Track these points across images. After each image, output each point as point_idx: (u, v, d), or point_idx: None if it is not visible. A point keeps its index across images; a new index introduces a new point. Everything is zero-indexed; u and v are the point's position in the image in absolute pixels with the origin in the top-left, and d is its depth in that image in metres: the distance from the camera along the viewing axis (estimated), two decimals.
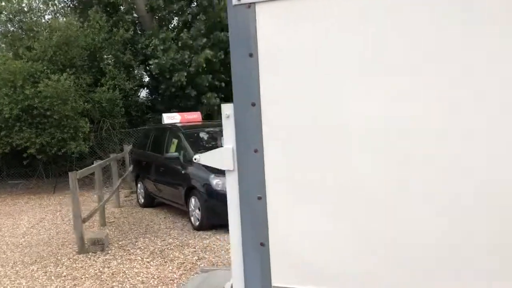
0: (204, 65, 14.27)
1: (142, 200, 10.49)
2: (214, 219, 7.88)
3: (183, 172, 8.54)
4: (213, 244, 7.08)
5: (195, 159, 2.41)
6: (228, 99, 16.19)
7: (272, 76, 2.25)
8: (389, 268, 2.18)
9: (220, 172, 8.32)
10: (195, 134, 9.46)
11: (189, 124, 9.95)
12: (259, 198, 2.28)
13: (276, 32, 2.31)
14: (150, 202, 10.32)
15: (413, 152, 2.04)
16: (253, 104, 2.21)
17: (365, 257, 2.18)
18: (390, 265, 2.19)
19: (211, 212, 7.82)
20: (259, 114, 2.23)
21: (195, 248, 6.95)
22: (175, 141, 9.28)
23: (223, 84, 14.87)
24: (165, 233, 7.96)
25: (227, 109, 2.27)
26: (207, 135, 9.73)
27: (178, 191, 8.71)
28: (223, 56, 14.54)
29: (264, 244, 2.30)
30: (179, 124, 9.92)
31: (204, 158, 2.44)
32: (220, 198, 7.72)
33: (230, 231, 2.41)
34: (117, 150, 14.15)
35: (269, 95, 2.24)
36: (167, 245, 7.21)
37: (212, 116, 14.95)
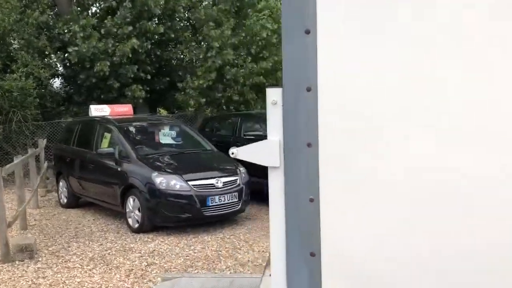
0: (130, 55, 13.41)
1: (65, 200, 9.51)
2: (157, 220, 7.33)
3: (119, 169, 7.83)
4: (160, 248, 6.53)
5: (232, 153, 2.04)
6: (154, 92, 15.45)
7: (333, 56, 1.92)
8: (461, 277, 1.94)
9: (164, 169, 7.96)
10: (131, 128, 8.76)
11: (123, 117, 9.20)
12: (311, 200, 1.94)
13: (338, 2, 1.98)
14: (74, 202, 9.38)
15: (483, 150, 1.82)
16: (309, 89, 1.87)
17: (435, 269, 1.94)
18: (462, 275, 1.96)
19: (153, 212, 7.25)
20: (315, 101, 1.89)
21: (140, 252, 6.36)
22: (108, 135, 8.50)
23: (148, 76, 14.09)
24: (100, 237, 7.23)
25: (274, 94, 1.91)
26: (145, 130, 9.06)
27: (113, 190, 7.98)
28: (150, 46, 13.77)
29: (314, 254, 1.97)
30: (110, 117, 9.13)
31: (242, 152, 2.07)
32: (164, 197, 7.20)
33: (271, 239, 2.05)
34: (29, 144, 12.83)
35: (329, 78, 1.91)
36: (106, 250, 6.52)
37: (135, 110, 14.13)
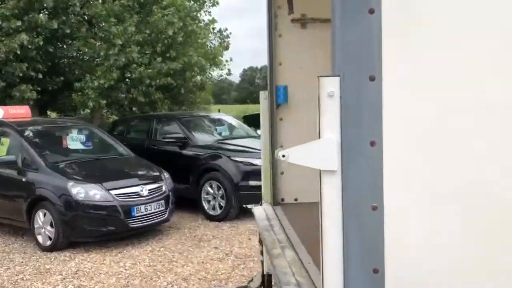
0: (18, 52, 11.95)
1: None
2: (74, 236, 6.51)
3: (23, 180, 6.80)
4: (83, 267, 5.75)
5: (283, 156, 1.71)
6: (46, 93, 13.99)
7: (401, 40, 1.67)
8: None
9: (81, 178, 6.98)
10: (35, 132, 7.68)
11: (22, 120, 8.05)
12: (374, 208, 1.65)
13: None
14: None
15: None
16: (372, 78, 1.60)
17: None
18: None
19: (70, 227, 6.42)
20: (379, 92, 1.62)
21: (61, 274, 5.53)
22: (6, 141, 7.39)
23: (40, 75, 12.70)
24: (4, 259, 6.20)
25: (330, 85, 1.61)
26: (50, 134, 8.01)
27: (16, 204, 6.91)
28: (42, 42, 12.41)
29: (378, 271, 1.69)
30: (6, 120, 7.94)
31: (294, 155, 1.72)
32: (82, 209, 6.41)
33: (325, 254, 1.76)
34: None
35: (397, 65, 1.67)
36: (17, 274, 5.58)
37: None
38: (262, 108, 3.87)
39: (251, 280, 4.22)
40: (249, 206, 6.70)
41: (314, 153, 1.68)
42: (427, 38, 1.69)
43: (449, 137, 1.70)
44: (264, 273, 3.92)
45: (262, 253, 3.91)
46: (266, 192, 3.91)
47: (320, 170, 1.67)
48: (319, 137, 1.68)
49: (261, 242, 3.84)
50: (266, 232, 3.19)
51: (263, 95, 3.86)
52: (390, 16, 1.64)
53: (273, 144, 3.82)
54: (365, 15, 1.64)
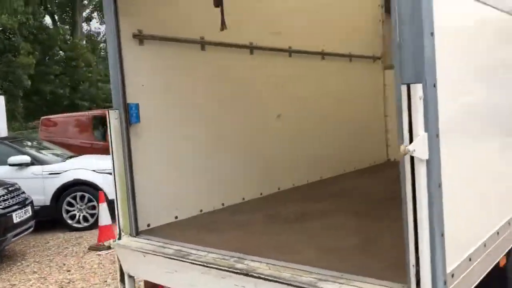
0: None
1: None
2: None
3: None
4: None
5: (408, 150, 2.06)
6: None
7: (450, 57, 2.23)
8: None
9: None
10: None
11: None
12: (439, 185, 2.21)
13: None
14: None
15: None
16: (435, 85, 2.18)
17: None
18: None
19: None
20: (436, 96, 2.21)
21: None
22: None
23: None
24: None
25: (419, 90, 2.08)
26: None
27: None
28: None
29: (443, 235, 2.23)
30: None
31: (417, 149, 2.06)
32: None
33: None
34: None
35: (447, 76, 2.20)
36: None
37: None
38: (114, 129, 3.45)
39: None
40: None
41: (423, 146, 2.01)
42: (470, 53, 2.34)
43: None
44: None
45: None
46: (125, 224, 3.50)
47: (414, 159, 2.01)
48: (413, 134, 2.02)
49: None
50: None
51: (114, 115, 3.45)
52: (442, 38, 2.14)
53: (131, 168, 3.50)
54: (429, 37, 2.08)
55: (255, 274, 2.58)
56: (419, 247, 2.05)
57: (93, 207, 8.29)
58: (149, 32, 3.67)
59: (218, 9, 3.67)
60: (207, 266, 2.80)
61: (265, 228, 3.60)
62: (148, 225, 3.66)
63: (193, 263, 2.89)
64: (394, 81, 2.11)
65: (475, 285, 2.52)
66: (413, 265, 2.08)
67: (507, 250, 3.02)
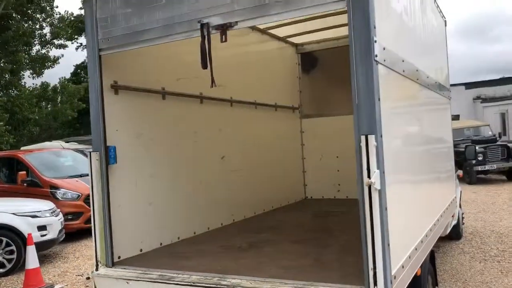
0: None
1: None
2: None
3: None
4: None
5: (371, 182, 2.82)
6: None
7: (390, 115, 3.11)
8: None
9: None
10: None
11: None
12: (386, 208, 3.02)
13: None
14: None
15: None
16: (382, 136, 3.03)
17: None
18: None
19: None
20: (382, 144, 3.04)
21: None
22: None
23: None
24: None
25: (373, 139, 2.93)
26: None
27: None
28: None
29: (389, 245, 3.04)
30: None
31: (374, 181, 2.82)
32: None
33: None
34: None
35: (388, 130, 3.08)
36: None
37: None
38: (95, 169, 3.83)
39: None
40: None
41: (375, 180, 2.78)
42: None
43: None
44: None
45: None
46: (102, 255, 3.84)
47: (371, 189, 2.79)
48: (369, 172, 2.80)
49: None
50: None
51: (95, 156, 3.85)
52: (387, 103, 3.00)
53: (109, 204, 3.89)
54: (378, 102, 2.93)
55: (240, 285, 3.14)
56: (376, 255, 2.79)
57: (11, 252, 8.03)
58: (123, 83, 4.16)
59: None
60: (195, 285, 3.29)
61: (227, 255, 4.15)
62: (119, 257, 4.01)
63: (180, 284, 3.35)
64: (354, 132, 2.90)
65: (406, 284, 3.33)
66: (371, 269, 2.81)
67: (421, 262, 3.92)
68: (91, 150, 3.90)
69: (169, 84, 4.72)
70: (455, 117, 26.18)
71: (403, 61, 3.62)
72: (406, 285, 3.39)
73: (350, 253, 3.75)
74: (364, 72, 2.83)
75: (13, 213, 8.21)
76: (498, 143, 16.70)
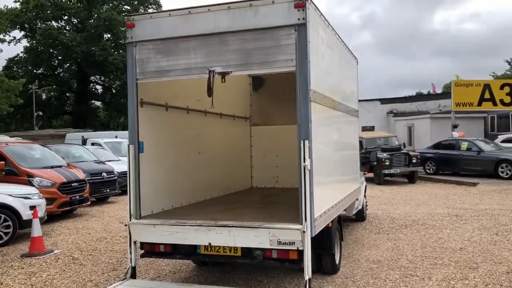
0: None
1: None
2: None
3: None
4: None
5: (305, 165, 5.32)
6: None
7: (317, 127, 5.60)
8: None
9: None
10: None
11: None
12: (312, 180, 5.58)
13: None
14: None
15: None
16: (311, 141, 5.57)
17: None
18: None
19: None
20: (312, 144, 5.57)
21: None
22: None
23: None
24: None
25: (308, 142, 5.43)
26: None
27: None
28: None
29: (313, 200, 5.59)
30: None
31: (308, 164, 5.35)
32: None
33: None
34: None
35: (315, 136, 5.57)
36: None
37: None
38: (131, 155, 5.98)
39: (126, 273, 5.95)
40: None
41: (308, 164, 5.23)
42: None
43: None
44: (133, 265, 5.95)
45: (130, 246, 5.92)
46: (134, 210, 5.98)
47: (305, 169, 5.24)
48: (304, 159, 5.25)
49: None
50: None
51: (132, 147, 5.99)
52: (316, 122, 5.47)
53: (139, 176, 6.04)
54: (310, 122, 5.39)
55: (229, 224, 5.45)
56: (306, 205, 5.22)
57: (7, 227, 9.68)
58: (146, 100, 6.30)
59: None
60: (201, 226, 5.55)
61: (213, 214, 6.40)
62: (140, 215, 6.15)
63: (191, 225, 5.59)
64: (297, 138, 5.30)
65: (322, 228, 5.80)
66: (303, 211, 5.24)
67: (332, 219, 6.44)
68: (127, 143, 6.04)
69: (171, 100, 6.92)
70: (371, 128, 30.00)
71: (325, 97, 6.13)
72: (322, 228, 5.86)
73: (290, 213, 6.15)
74: (304, 105, 5.28)
75: (9, 194, 9.88)
76: (402, 151, 20.16)
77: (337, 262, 6.87)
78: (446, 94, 33.25)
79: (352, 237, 9.24)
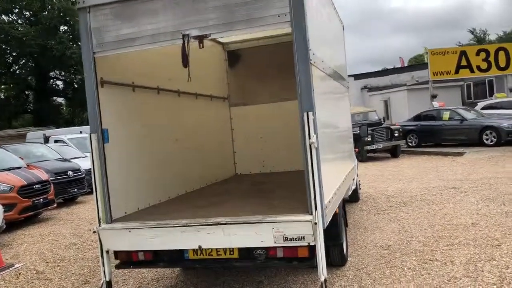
0: None
1: None
2: None
3: None
4: None
5: (312, 142, 4.33)
6: None
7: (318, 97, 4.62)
8: None
9: None
10: None
11: None
12: (318, 159, 4.61)
13: None
14: None
15: None
16: (315, 113, 4.59)
17: None
18: None
19: None
20: (316, 118, 4.60)
21: None
22: None
23: None
24: None
25: (312, 115, 4.45)
26: None
27: None
28: None
29: (321, 186, 4.64)
30: None
31: (314, 141, 4.36)
32: None
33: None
34: None
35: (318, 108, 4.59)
36: None
37: None
38: (94, 146, 4.87)
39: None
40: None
41: (314, 141, 4.24)
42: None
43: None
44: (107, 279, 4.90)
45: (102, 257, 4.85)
46: (103, 214, 4.90)
47: (311, 146, 4.25)
48: (310, 135, 4.26)
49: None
50: None
51: (94, 137, 4.88)
52: (318, 95, 4.48)
53: (106, 172, 4.95)
54: (312, 90, 4.39)
55: (223, 222, 4.44)
56: (316, 191, 4.25)
57: None
58: (107, 79, 5.18)
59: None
60: (188, 226, 4.52)
61: (199, 210, 5.39)
62: (111, 218, 5.07)
63: (177, 226, 4.56)
64: (299, 110, 4.31)
65: (331, 216, 4.86)
66: (312, 200, 4.27)
67: (338, 203, 5.52)
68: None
69: (137, 78, 5.81)
70: None
71: (322, 61, 5.14)
72: (331, 216, 4.92)
73: (291, 202, 5.19)
74: (304, 70, 4.28)
75: None
76: (383, 126, 19.48)
77: (345, 251, 5.97)
78: (419, 65, 32.86)
79: (351, 220, 8.37)
